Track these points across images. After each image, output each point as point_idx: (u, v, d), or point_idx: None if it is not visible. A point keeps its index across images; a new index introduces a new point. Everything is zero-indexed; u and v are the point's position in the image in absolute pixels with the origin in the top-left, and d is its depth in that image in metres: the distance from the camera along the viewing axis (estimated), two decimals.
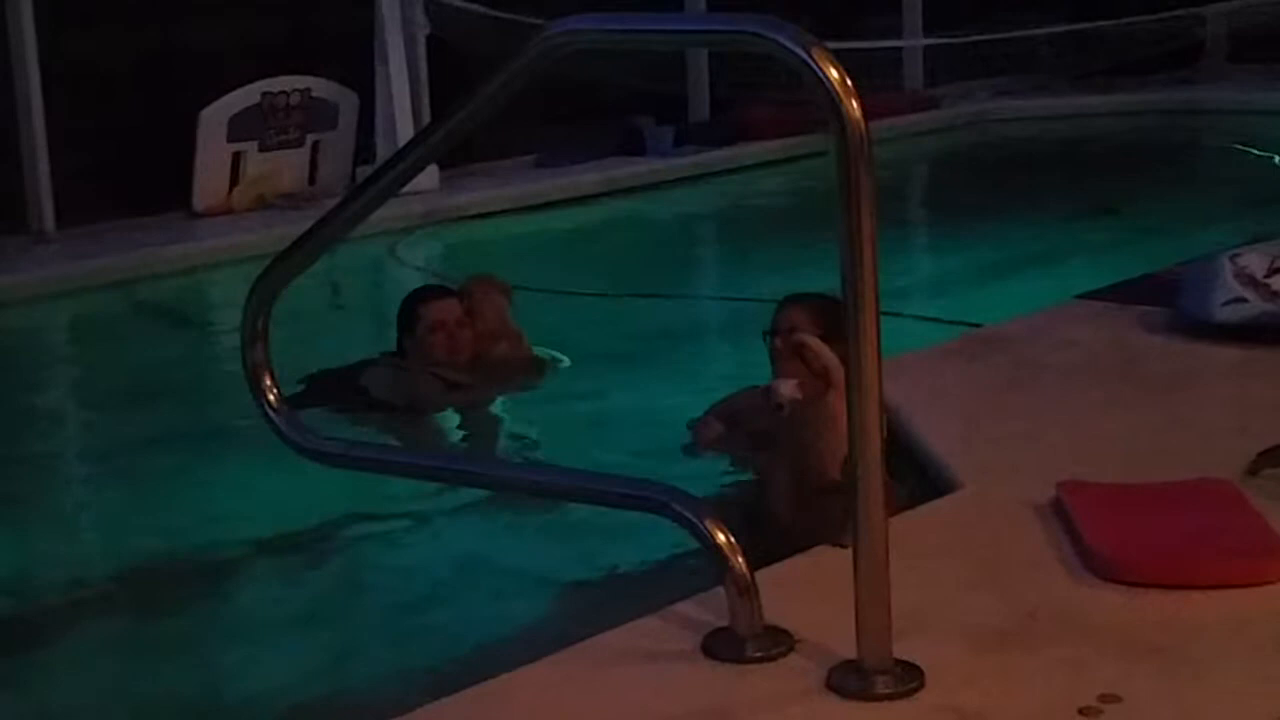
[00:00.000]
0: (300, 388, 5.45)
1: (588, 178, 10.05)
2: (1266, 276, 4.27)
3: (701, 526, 2.62)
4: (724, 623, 2.63)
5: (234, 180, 9.23)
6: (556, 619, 3.88)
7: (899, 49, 12.19)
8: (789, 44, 2.39)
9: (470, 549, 4.48)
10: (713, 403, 4.91)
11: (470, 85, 2.85)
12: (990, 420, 3.89)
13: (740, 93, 10.82)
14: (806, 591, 2.80)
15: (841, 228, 2.38)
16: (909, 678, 2.47)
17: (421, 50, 9.93)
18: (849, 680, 2.47)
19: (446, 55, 9.92)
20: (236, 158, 9.24)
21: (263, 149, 9.31)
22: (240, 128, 9.22)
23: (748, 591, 2.59)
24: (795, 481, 3.57)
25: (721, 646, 2.61)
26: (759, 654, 2.58)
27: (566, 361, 5.91)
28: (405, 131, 9.32)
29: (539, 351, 5.92)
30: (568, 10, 2.89)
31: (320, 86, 9.56)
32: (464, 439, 5.53)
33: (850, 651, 2.48)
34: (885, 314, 2.40)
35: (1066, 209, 9.01)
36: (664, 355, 6.29)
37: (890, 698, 2.44)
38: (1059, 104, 12.18)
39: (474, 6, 9.97)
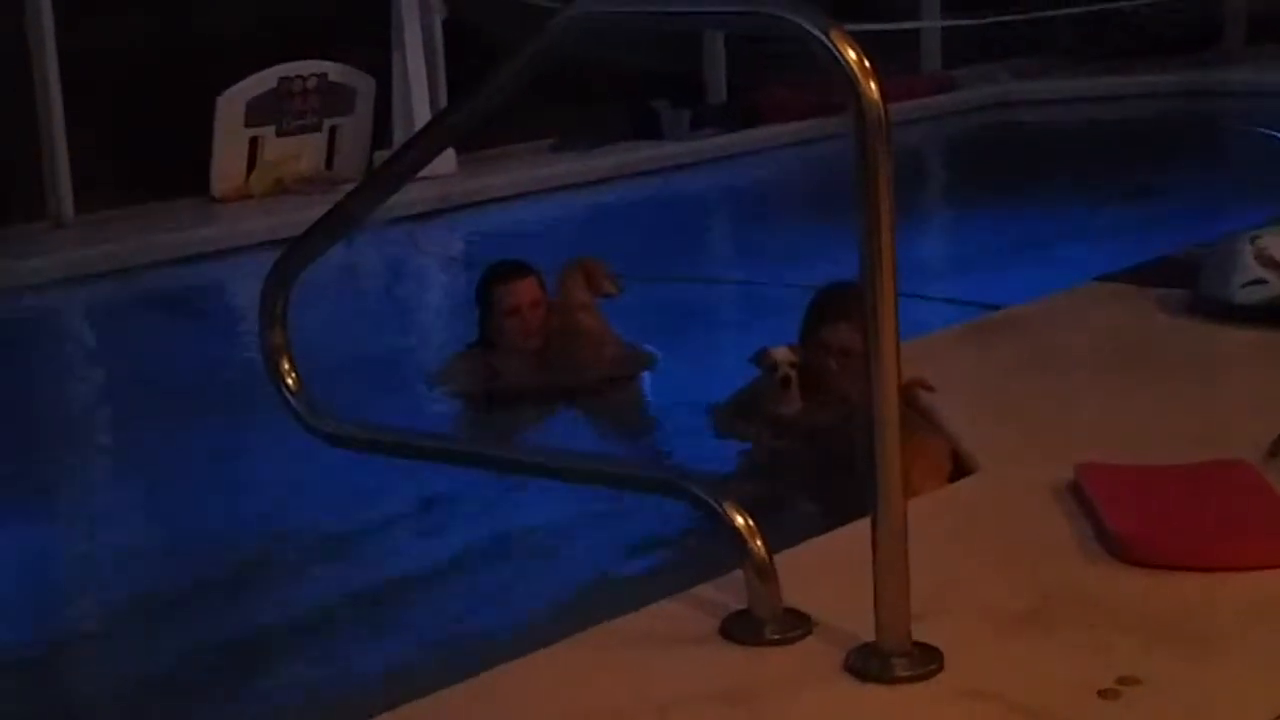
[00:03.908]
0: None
1: (604, 161, 10.02)
2: None
3: (721, 510, 2.62)
4: (743, 605, 2.63)
5: (251, 165, 9.22)
6: (576, 602, 3.88)
7: (917, 30, 12.15)
8: (807, 25, 2.38)
9: (490, 532, 4.48)
10: (734, 389, 4.90)
11: (487, 69, 2.85)
12: (1009, 402, 3.88)
13: (758, 74, 10.79)
14: (825, 574, 2.80)
15: (860, 210, 2.37)
16: (928, 660, 2.47)
17: (438, 34, 9.91)
18: (868, 663, 2.47)
19: (463, 39, 9.91)
20: (254, 142, 9.22)
21: (280, 134, 9.30)
22: (257, 112, 9.21)
23: (767, 574, 2.60)
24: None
25: (740, 629, 2.61)
26: (778, 636, 2.59)
27: (658, 355, 5.70)
28: (422, 116, 9.29)
29: (633, 346, 5.65)
30: None
31: (337, 71, 9.55)
32: (514, 426, 5.44)
33: (869, 634, 2.48)
34: (903, 295, 2.40)
35: (1085, 191, 8.97)
36: (681, 340, 6.27)
37: (909, 680, 2.44)
38: (1078, 85, 12.11)
39: None
